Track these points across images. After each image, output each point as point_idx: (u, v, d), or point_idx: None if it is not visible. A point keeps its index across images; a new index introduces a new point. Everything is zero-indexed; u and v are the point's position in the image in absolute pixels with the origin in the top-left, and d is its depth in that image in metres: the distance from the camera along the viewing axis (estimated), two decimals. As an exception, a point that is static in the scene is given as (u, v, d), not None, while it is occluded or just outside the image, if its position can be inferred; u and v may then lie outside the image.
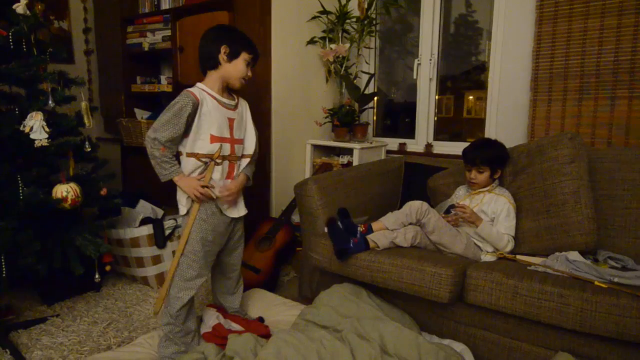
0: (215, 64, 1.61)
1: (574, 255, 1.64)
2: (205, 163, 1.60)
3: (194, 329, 1.70)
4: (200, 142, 1.58)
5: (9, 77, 1.75)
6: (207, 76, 1.64)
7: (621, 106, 2.08)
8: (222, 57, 1.59)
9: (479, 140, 2.00)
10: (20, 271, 1.72)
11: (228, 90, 1.69)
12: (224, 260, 1.81)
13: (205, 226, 1.63)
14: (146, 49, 3.00)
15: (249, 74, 1.66)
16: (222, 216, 1.68)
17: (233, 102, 1.69)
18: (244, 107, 1.76)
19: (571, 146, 1.76)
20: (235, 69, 1.62)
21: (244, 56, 1.62)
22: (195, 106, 1.55)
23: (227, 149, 1.64)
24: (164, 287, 1.64)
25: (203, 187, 1.58)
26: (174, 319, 1.61)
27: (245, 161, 1.73)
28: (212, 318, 1.81)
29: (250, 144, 1.75)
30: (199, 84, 1.63)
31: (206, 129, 1.58)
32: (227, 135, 1.64)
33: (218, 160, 1.62)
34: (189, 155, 1.59)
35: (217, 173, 1.63)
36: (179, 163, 1.61)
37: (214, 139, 1.59)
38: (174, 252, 2.38)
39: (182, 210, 1.64)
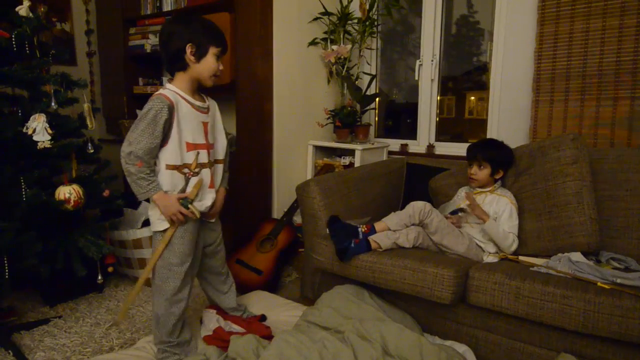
0: (183, 66, 1.47)
1: (577, 256, 1.64)
2: (185, 174, 1.49)
3: (189, 337, 1.66)
4: (179, 151, 1.46)
5: (12, 79, 1.76)
6: (176, 77, 1.51)
7: (623, 107, 2.08)
8: (189, 57, 1.46)
9: (485, 139, 2.01)
10: (22, 272, 1.72)
11: (198, 90, 1.58)
12: (208, 263, 1.76)
13: (183, 243, 1.53)
14: (148, 50, 3.00)
15: (220, 67, 1.51)
16: (198, 225, 1.61)
17: (205, 105, 1.57)
18: (215, 108, 1.64)
19: (573, 147, 1.75)
20: (206, 67, 1.48)
21: (212, 51, 1.47)
22: (171, 110, 1.42)
23: (204, 156, 1.54)
24: (129, 298, 1.58)
25: (190, 202, 1.47)
26: (168, 336, 1.56)
27: (219, 167, 1.64)
28: (212, 321, 1.81)
29: (221, 148, 1.65)
30: (169, 85, 1.50)
31: (182, 137, 1.46)
32: (203, 141, 1.53)
33: (196, 170, 1.51)
34: (169, 167, 1.46)
35: (200, 185, 1.53)
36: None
37: (189, 146, 1.48)
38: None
39: (158, 225, 1.51)
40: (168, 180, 1.47)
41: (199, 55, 1.46)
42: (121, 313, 1.67)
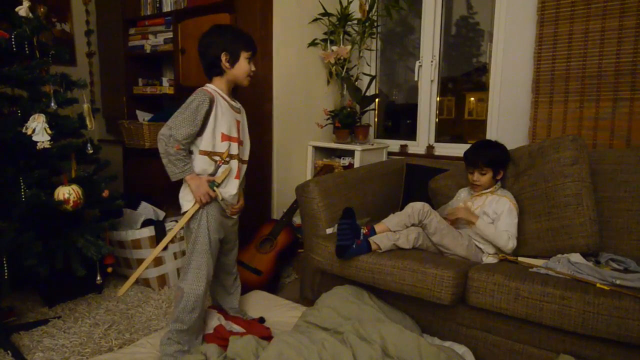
0: (220, 71, 1.66)
1: (576, 257, 1.64)
2: (216, 162, 1.64)
3: (199, 329, 1.70)
4: (212, 140, 1.62)
5: (12, 79, 1.76)
6: (214, 80, 1.69)
7: (623, 108, 2.08)
8: (225, 64, 1.64)
9: (479, 142, 2.00)
10: (22, 273, 1.72)
11: (233, 92, 1.75)
12: (222, 261, 1.84)
13: (214, 224, 1.66)
14: (148, 51, 3.01)
15: (253, 68, 1.70)
16: (225, 218, 1.74)
17: (238, 106, 1.75)
18: (244, 113, 1.81)
19: (573, 148, 1.75)
20: (240, 70, 1.66)
21: (244, 55, 1.65)
22: (211, 104, 1.59)
23: (235, 148, 1.69)
24: (138, 270, 1.68)
25: (217, 185, 1.62)
26: (188, 312, 1.61)
27: (244, 166, 1.78)
28: (213, 320, 1.82)
29: (247, 150, 1.81)
30: (210, 85, 1.67)
31: (218, 128, 1.62)
32: (235, 135, 1.69)
33: (227, 159, 1.66)
34: (202, 153, 1.61)
35: (232, 171, 1.68)
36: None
37: (224, 137, 1.64)
38: (175, 254, 2.38)
39: (187, 206, 1.65)
40: (199, 164, 1.62)
41: (233, 61, 1.64)
42: (128, 282, 1.69)
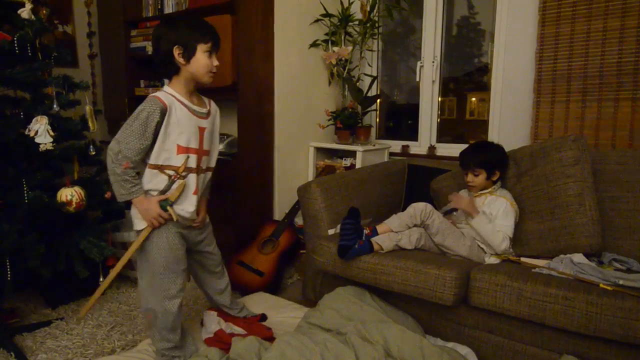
0: (175, 69, 1.47)
1: (579, 257, 1.64)
2: (170, 176, 1.46)
3: (190, 341, 1.66)
4: (165, 152, 1.44)
5: (14, 81, 1.76)
6: (172, 80, 1.50)
7: (625, 108, 2.08)
8: (179, 60, 1.45)
9: (472, 144, 2.00)
10: (25, 274, 1.73)
11: (197, 93, 1.57)
12: (203, 263, 1.74)
13: (170, 243, 1.51)
14: (149, 52, 3.01)
15: (215, 63, 1.49)
16: (188, 229, 1.60)
17: (205, 110, 1.55)
18: (216, 114, 1.62)
19: (575, 148, 1.75)
20: (198, 66, 1.46)
21: (201, 49, 1.45)
22: (163, 113, 1.41)
23: (193, 161, 1.50)
24: (96, 294, 1.59)
25: (170, 204, 1.46)
26: (168, 331, 1.54)
27: (208, 174, 1.62)
28: (213, 323, 1.80)
29: (214, 157, 1.63)
30: (166, 88, 1.49)
31: (173, 139, 1.44)
32: (195, 146, 1.49)
33: (183, 174, 1.48)
34: (152, 167, 1.45)
35: (187, 187, 1.51)
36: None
37: (180, 149, 1.45)
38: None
39: (139, 224, 1.49)
40: (149, 179, 1.46)
41: (188, 55, 1.45)
42: (87, 305, 1.59)
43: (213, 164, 1.64)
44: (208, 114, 1.56)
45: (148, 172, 1.46)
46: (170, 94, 1.46)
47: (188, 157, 1.48)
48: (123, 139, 1.39)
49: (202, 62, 1.46)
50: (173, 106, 1.44)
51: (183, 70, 1.47)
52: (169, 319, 1.54)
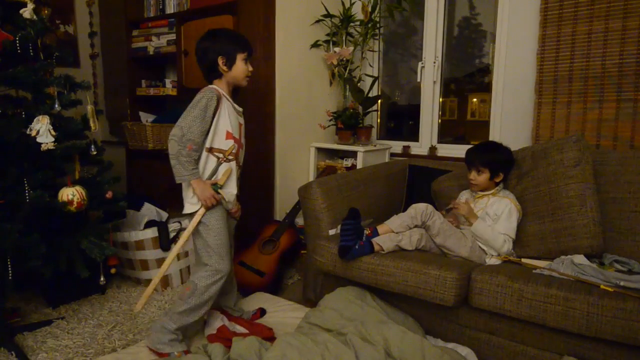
0: (218, 75, 1.69)
1: (580, 258, 1.64)
2: (218, 159, 1.65)
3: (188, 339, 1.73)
4: (216, 136, 1.64)
5: (16, 81, 1.76)
6: (214, 83, 1.70)
7: (626, 109, 2.08)
8: (222, 68, 1.67)
9: (481, 143, 2.01)
10: (26, 274, 1.73)
11: (234, 96, 1.77)
12: None
13: (219, 224, 1.67)
14: (151, 52, 3.02)
15: (250, 68, 1.73)
16: (229, 219, 1.77)
17: (240, 109, 1.77)
18: (243, 117, 1.83)
19: (576, 149, 1.75)
20: (237, 72, 1.69)
21: (240, 57, 1.68)
22: (219, 101, 1.62)
23: (235, 149, 1.70)
24: (152, 284, 1.66)
25: (219, 188, 1.63)
26: (198, 307, 1.64)
27: (239, 171, 1.77)
28: (216, 320, 1.82)
29: (243, 156, 1.80)
30: (212, 85, 1.68)
31: (223, 125, 1.65)
32: (238, 137, 1.71)
33: (230, 157, 1.67)
34: (205, 150, 1.63)
35: (233, 172, 1.69)
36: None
37: (228, 135, 1.66)
38: (178, 255, 2.39)
39: (190, 208, 1.66)
40: (203, 161, 1.64)
41: (230, 63, 1.68)
42: (144, 297, 1.67)
43: (242, 161, 1.80)
44: (242, 113, 1.78)
45: (202, 155, 1.64)
46: (217, 88, 1.67)
47: (234, 144, 1.68)
48: (185, 124, 1.57)
49: (241, 68, 1.70)
50: (223, 98, 1.66)
51: (226, 75, 1.69)
52: (204, 298, 1.64)
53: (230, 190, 1.70)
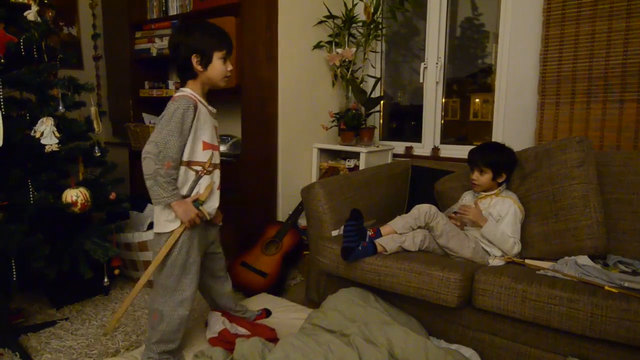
0: (193, 75, 1.52)
1: (584, 259, 1.63)
2: (197, 172, 1.51)
3: (180, 348, 1.64)
4: (194, 149, 1.49)
5: (20, 82, 1.77)
6: (188, 84, 1.55)
7: (630, 109, 2.07)
8: (196, 67, 1.50)
9: (486, 143, 2.01)
10: (30, 275, 1.74)
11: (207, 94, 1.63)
12: (208, 266, 1.75)
13: (194, 243, 1.55)
14: (154, 54, 3.03)
15: (229, 68, 1.56)
16: (208, 228, 1.65)
17: (214, 110, 1.62)
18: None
19: (580, 150, 1.74)
20: (214, 72, 1.53)
21: (217, 56, 1.51)
22: (195, 110, 1.47)
23: (217, 157, 1.58)
24: (123, 305, 1.56)
25: (201, 204, 1.51)
26: (173, 333, 1.53)
27: (217, 172, 1.63)
28: (217, 323, 1.80)
29: (219, 158, 1.68)
30: (186, 90, 1.52)
31: (199, 136, 1.50)
32: (215, 143, 1.58)
33: (209, 169, 1.53)
34: (183, 164, 1.49)
35: (215, 184, 1.57)
36: None
37: (205, 145, 1.52)
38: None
39: (167, 226, 1.49)
40: (181, 176, 1.49)
41: (205, 62, 1.51)
42: (114, 319, 1.59)
43: (218, 160, 1.66)
44: (215, 113, 1.63)
45: (180, 170, 1.49)
46: (192, 94, 1.51)
47: (213, 153, 1.54)
48: (161, 139, 1.41)
49: (218, 68, 1.52)
50: (199, 105, 1.50)
51: (200, 75, 1.52)
52: (174, 323, 1.53)
53: (213, 204, 1.57)
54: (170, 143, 1.41)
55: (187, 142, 1.47)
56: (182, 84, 1.57)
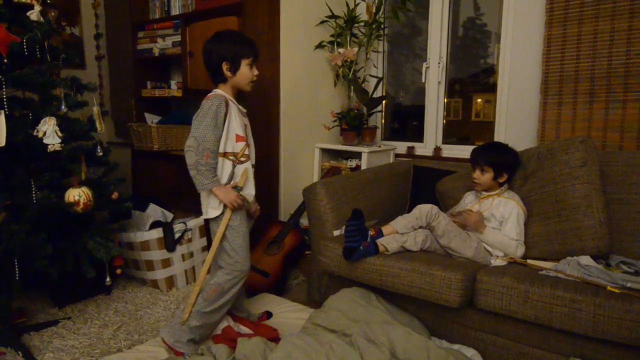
0: (223, 79, 1.69)
1: (586, 259, 1.63)
2: (232, 161, 1.67)
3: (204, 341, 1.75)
4: (228, 141, 1.65)
5: (23, 82, 1.78)
6: (219, 87, 1.71)
7: (632, 109, 2.06)
8: (226, 73, 1.67)
9: (489, 142, 2.01)
10: (32, 274, 1.74)
11: (238, 96, 1.77)
12: None
13: (243, 225, 1.71)
14: (156, 54, 3.03)
15: (255, 73, 1.72)
16: (247, 220, 1.79)
17: (245, 110, 1.78)
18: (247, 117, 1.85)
19: (582, 150, 1.74)
20: (242, 77, 1.69)
21: (244, 62, 1.68)
22: (227, 106, 1.63)
23: (251, 152, 1.74)
24: (193, 293, 1.68)
25: (240, 190, 1.66)
26: (222, 307, 1.68)
27: (252, 171, 1.78)
28: (221, 321, 1.82)
29: (254, 154, 1.82)
30: (217, 90, 1.69)
31: (233, 129, 1.66)
32: (248, 139, 1.73)
33: (242, 159, 1.68)
34: (219, 155, 1.65)
35: (250, 173, 1.72)
36: None
37: (238, 138, 1.68)
38: (183, 256, 2.40)
39: (214, 212, 1.67)
40: (219, 167, 1.65)
41: (234, 69, 1.67)
42: (187, 308, 1.68)
43: (254, 160, 1.81)
44: (246, 114, 1.79)
45: (218, 161, 1.65)
46: (223, 93, 1.68)
47: (245, 145, 1.69)
48: (199, 134, 1.58)
49: (245, 74, 1.69)
50: (229, 102, 1.67)
51: (230, 80, 1.69)
52: (228, 296, 1.68)
53: (249, 191, 1.72)
54: (207, 136, 1.58)
55: (223, 135, 1.63)
56: (215, 86, 1.73)
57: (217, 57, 1.65)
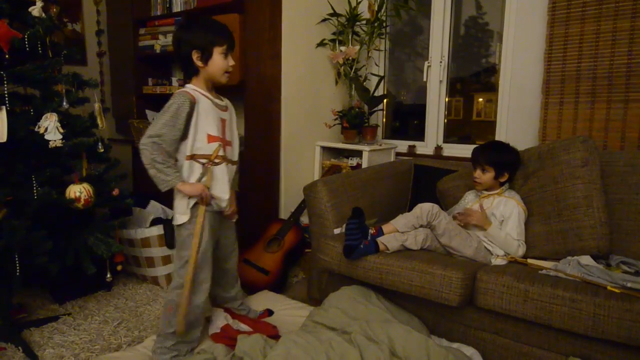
0: (195, 70, 1.57)
1: (586, 259, 1.63)
2: (203, 165, 1.55)
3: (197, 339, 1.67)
4: (197, 142, 1.53)
5: (25, 78, 1.77)
6: (193, 80, 1.60)
7: (634, 109, 2.06)
8: (197, 63, 1.54)
9: (490, 142, 2.01)
10: (32, 270, 1.74)
11: (215, 90, 1.66)
12: (222, 266, 1.78)
13: (206, 233, 1.59)
14: (158, 51, 3.03)
15: (231, 63, 1.58)
16: (221, 218, 1.69)
17: (223, 103, 1.66)
18: (232, 109, 1.72)
19: (583, 149, 1.74)
20: (215, 67, 1.55)
21: (217, 51, 1.54)
22: (192, 105, 1.50)
23: (228, 151, 1.63)
24: (183, 303, 1.55)
25: (207, 189, 1.54)
26: (194, 325, 1.59)
27: (233, 168, 1.68)
28: (220, 318, 1.82)
29: (236, 150, 1.71)
30: (189, 85, 1.57)
31: (203, 129, 1.53)
32: (221, 135, 1.60)
33: (216, 161, 1.57)
34: (187, 158, 1.53)
35: (221, 174, 1.59)
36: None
37: (211, 138, 1.55)
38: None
39: (182, 218, 1.56)
40: (186, 170, 1.54)
41: (206, 58, 1.54)
42: (180, 319, 1.56)
43: (236, 157, 1.71)
44: (226, 107, 1.67)
45: (185, 163, 1.54)
46: (193, 89, 1.55)
47: (220, 145, 1.57)
48: (154, 132, 1.47)
49: (218, 64, 1.55)
50: (199, 99, 1.54)
51: (202, 71, 1.56)
52: (192, 314, 1.58)
53: (221, 195, 1.60)
54: (163, 135, 1.47)
55: (190, 136, 1.52)
56: (188, 80, 1.61)
57: (187, 45, 1.51)
